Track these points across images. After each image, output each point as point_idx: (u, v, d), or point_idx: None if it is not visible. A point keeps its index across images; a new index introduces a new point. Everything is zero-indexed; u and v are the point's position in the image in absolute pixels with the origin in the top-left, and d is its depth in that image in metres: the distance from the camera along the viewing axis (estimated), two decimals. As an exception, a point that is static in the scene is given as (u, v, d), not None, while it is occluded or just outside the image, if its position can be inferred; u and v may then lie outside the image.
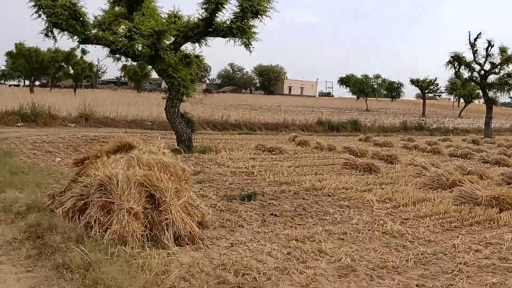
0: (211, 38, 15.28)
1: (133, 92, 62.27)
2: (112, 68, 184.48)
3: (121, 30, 14.58)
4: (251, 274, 4.87)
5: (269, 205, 8.17)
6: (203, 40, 15.23)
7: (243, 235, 6.28)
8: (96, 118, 21.92)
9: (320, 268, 5.25)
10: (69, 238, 5.12)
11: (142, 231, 5.61)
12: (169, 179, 6.23)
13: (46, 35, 14.10)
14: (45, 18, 13.67)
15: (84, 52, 15.38)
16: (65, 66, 52.80)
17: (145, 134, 19.49)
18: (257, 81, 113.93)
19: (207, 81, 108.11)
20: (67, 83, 71.61)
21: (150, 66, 15.71)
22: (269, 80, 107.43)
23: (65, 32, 14.21)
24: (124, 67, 60.63)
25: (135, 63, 50.77)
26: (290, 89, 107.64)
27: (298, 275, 5.02)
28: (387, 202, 8.89)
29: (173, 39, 14.80)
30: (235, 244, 5.88)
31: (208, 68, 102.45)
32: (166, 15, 15.22)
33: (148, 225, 5.76)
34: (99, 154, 7.06)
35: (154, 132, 20.57)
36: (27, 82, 66.10)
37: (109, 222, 5.59)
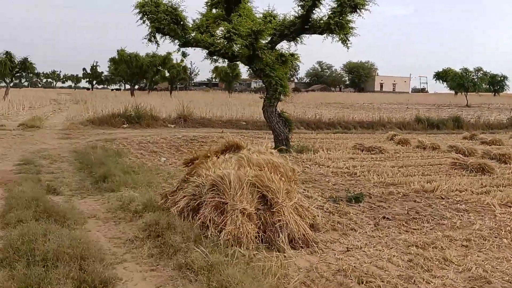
0: (307, 35, 15.07)
1: (224, 93, 63.90)
2: (203, 70, 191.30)
3: (219, 32, 14.86)
4: (375, 282, 4.58)
5: (378, 208, 7.77)
6: (298, 38, 15.06)
7: (357, 239, 5.98)
8: (194, 119, 22.66)
9: (448, 278, 4.82)
10: (188, 238, 5.17)
11: (255, 233, 5.54)
12: (279, 179, 6.11)
13: (150, 40, 14.72)
14: (148, 24, 14.28)
15: (184, 55, 15.79)
16: (161, 69, 55.60)
17: (241, 133, 19.73)
18: (347, 78, 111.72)
19: (296, 80, 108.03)
20: (163, 86, 75.43)
21: (246, 67, 15.74)
22: (359, 77, 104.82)
23: (167, 37, 14.74)
24: (215, 69, 62.34)
25: (225, 65, 52.29)
26: (381, 86, 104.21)
27: (425, 285, 4.64)
28: (510, 206, 8.08)
29: (269, 38, 14.78)
30: (351, 248, 5.60)
31: (297, 67, 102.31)
32: (261, 15, 15.28)
33: (261, 227, 5.67)
34: (208, 154, 7.12)
35: (249, 132, 20.79)
36: (127, 86, 70.70)
37: (223, 222, 5.59)
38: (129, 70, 51.14)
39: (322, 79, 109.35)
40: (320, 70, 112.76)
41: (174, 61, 55.55)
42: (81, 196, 7.99)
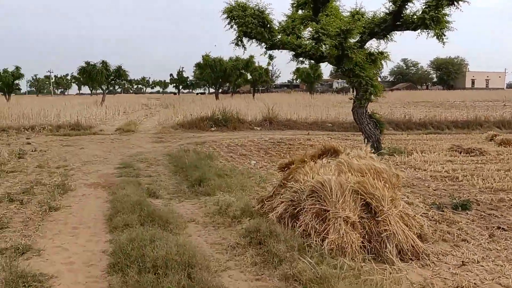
0: (399, 32, 14.40)
1: (306, 94, 63.45)
2: (284, 72, 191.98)
3: (307, 33, 14.66)
4: (502, 303, 4.12)
5: (489, 217, 7.12)
6: (389, 36, 14.44)
7: (472, 252, 5.47)
8: (279, 121, 22.63)
9: None
10: (291, 247, 5.02)
11: (360, 242, 5.26)
12: (383, 186, 5.77)
13: (237, 44, 14.87)
14: (236, 28, 14.43)
15: (271, 58, 15.78)
16: (244, 73, 56.48)
17: (327, 135, 19.39)
18: (434, 75, 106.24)
19: (379, 79, 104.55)
20: (245, 89, 76.65)
21: (332, 67, 15.41)
22: (449, 73, 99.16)
23: (254, 40, 14.81)
24: (297, 70, 62.19)
25: (307, 66, 51.93)
26: (473, 82, 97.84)
27: (563, 309, 4.09)
28: None
29: (358, 37, 14.30)
30: (467, 262, 5.13)
31: (380, 66, 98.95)
32: (348, 13, 14.87)
33: (366, 236, 5.38)
34: (304, 159, 6.93)
35: (335, 134, 20.35)
36: (211, 90, 72.77)
37: (325, 231, 5.37)
38: (214, 74, 52.49)
39: (407, 77, 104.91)
40: (405, 67, 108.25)
41: (256, 64, 56.21)
42: (178, 199, 8.16)
